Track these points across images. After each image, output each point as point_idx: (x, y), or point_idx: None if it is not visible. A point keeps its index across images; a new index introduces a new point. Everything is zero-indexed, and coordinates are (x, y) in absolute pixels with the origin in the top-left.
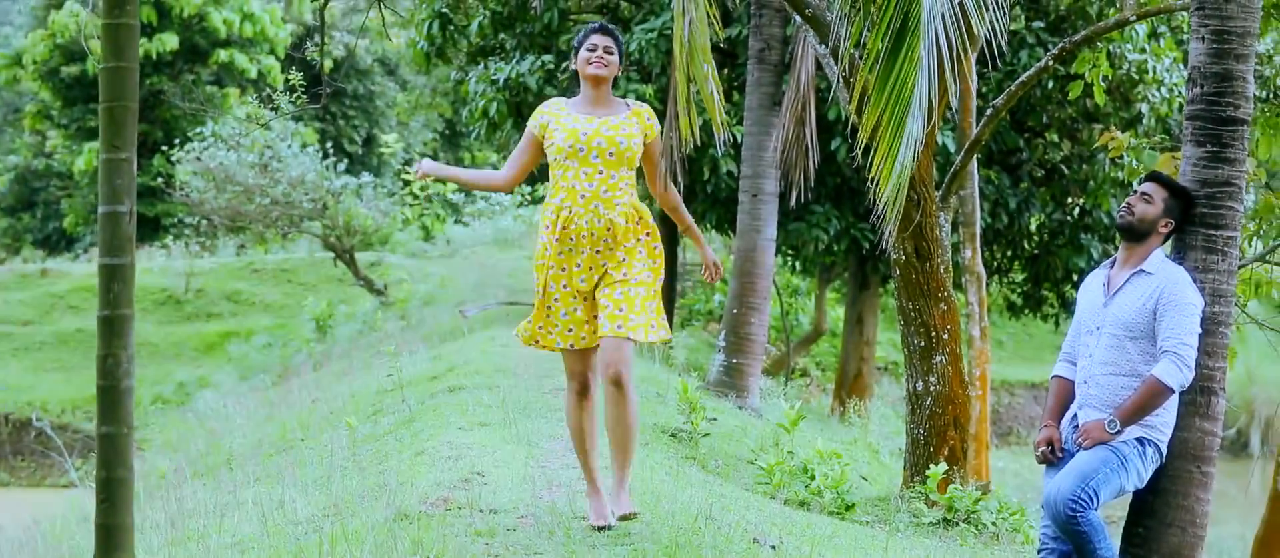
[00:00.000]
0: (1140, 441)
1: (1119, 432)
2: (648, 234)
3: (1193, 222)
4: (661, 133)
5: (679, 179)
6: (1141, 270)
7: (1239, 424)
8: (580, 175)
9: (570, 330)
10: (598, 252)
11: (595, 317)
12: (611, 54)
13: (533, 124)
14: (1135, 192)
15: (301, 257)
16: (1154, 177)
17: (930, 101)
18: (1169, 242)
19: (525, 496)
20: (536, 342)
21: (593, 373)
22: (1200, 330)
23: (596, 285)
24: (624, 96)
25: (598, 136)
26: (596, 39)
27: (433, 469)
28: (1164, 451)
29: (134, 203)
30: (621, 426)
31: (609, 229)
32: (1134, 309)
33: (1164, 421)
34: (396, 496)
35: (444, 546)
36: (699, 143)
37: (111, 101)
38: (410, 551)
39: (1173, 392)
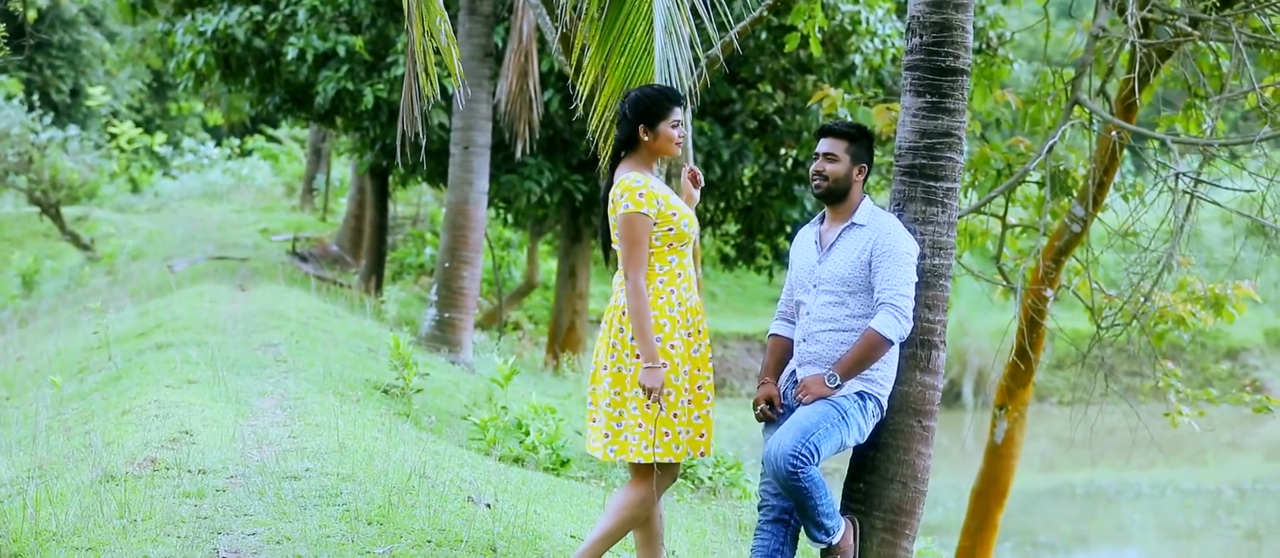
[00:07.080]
0: (861, 395)
1: (839, 386)
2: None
3: (912, 173)
4: None
5: (417, 135)
6: (853, 224)
7: (951, 375)
8: (685, 262)
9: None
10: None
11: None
12: None
13: (651, 209)
14: (817, 156)
15: (7, 212)
16: (826, 131)
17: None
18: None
19: (234, 455)
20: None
21: None
22: (918, 280)
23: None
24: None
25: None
26: (679, 112)
27: (140, 429)
28: (885, 405)
29: None
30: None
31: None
32: (849, 264)
33: (884, 374)
34: (102, 457)
35: (151, 508)
36: (438, 99)
37: None
38: (117, 514)
39: (892, 344)
